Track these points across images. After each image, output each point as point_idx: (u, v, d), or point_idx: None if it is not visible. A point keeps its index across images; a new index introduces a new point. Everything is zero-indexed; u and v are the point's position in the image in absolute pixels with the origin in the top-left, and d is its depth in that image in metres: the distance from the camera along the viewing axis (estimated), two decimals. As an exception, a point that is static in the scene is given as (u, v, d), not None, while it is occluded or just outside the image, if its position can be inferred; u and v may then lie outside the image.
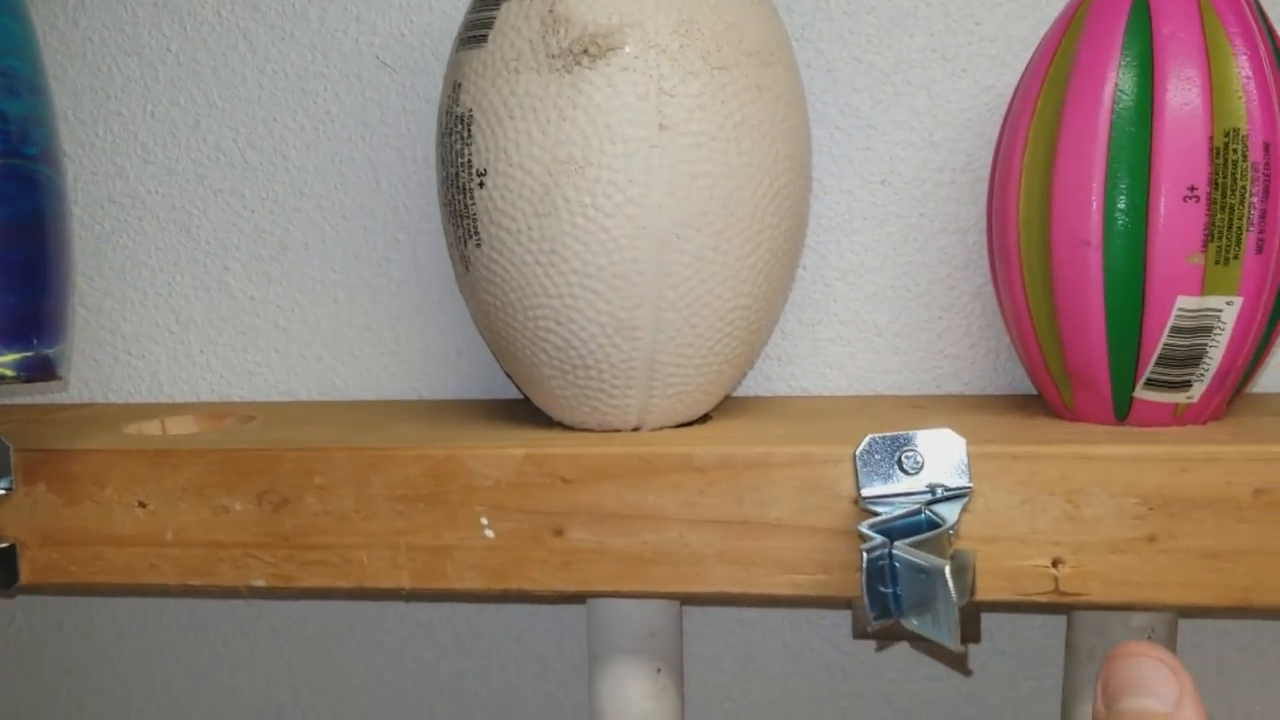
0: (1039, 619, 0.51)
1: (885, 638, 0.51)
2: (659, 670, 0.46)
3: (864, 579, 0.32)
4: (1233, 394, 0.41)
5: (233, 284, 0.55)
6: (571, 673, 0.55)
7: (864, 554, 0.32)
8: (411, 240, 0.53)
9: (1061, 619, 0.49)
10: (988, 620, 0.51)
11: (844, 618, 0.52)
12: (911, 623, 0.32)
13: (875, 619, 0.32)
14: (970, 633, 0.50)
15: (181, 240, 0.56)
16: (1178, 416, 0.40)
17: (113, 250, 0.56)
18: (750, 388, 0.52)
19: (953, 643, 0.31)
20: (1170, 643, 0.44)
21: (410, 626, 0.56)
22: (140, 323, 0.57)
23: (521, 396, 0.46)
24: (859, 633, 0.51)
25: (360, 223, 0.54)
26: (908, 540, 0.32)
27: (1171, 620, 0.43)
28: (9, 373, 0.39)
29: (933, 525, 0.35)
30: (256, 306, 0.55)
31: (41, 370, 0.40)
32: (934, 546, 0.33)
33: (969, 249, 0.49)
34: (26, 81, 0.41)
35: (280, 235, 0.55)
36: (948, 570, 0.30)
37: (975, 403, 0.47)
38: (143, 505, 0.43)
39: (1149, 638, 0.43)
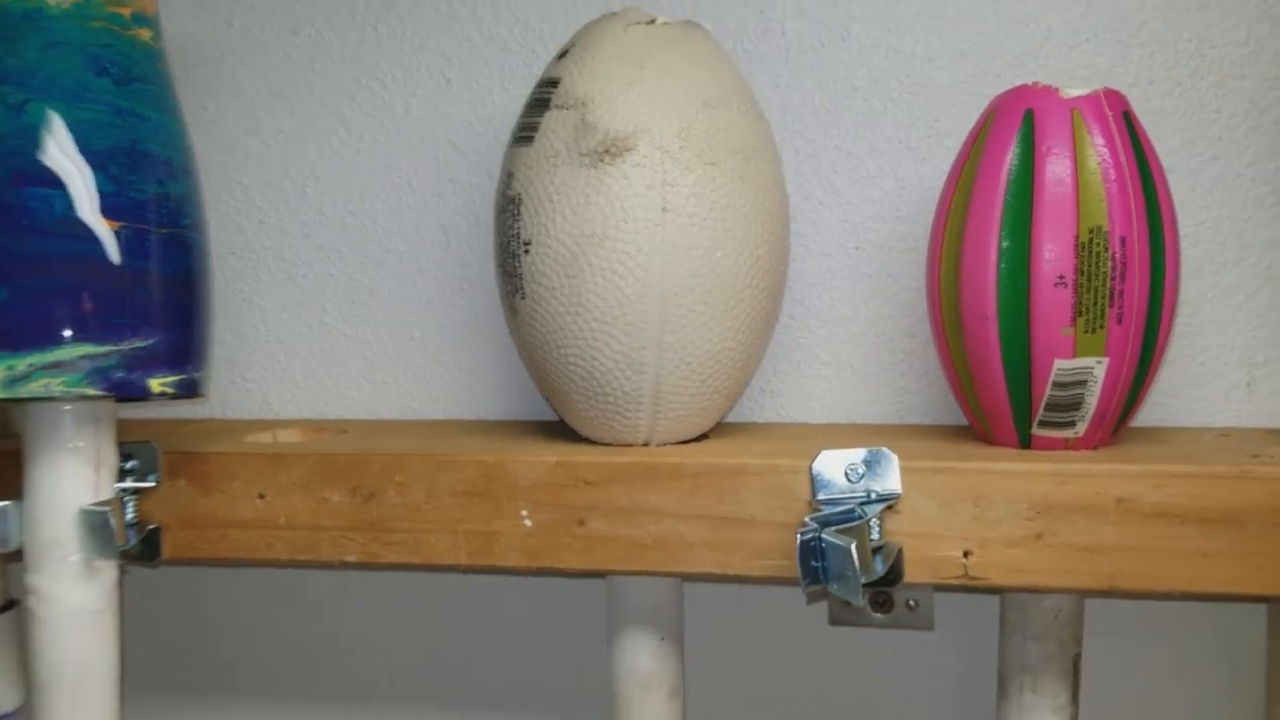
0: (986, 604, 0.61)
1: (855, 624, 0.61)
2: (662, 639, 0.56)
3: (798, 554, 0.43)
4: (1114, 428, 0.51)
5: (329, 323, 0.68)
6: (595, 641, 0.66)
7: (798, 536, 0.43)
8: (473, 289, 0.66)
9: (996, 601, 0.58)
10: (940, 604, 0.61)
11: (821, 608, 0.63)
12: (832, 587, 0.43)
13: (807, 585, 0.43)
14: (926, 621, 0.60)
15: (288, 287, 0.68)
16: (1069, 446, 0.50)
17: (232, 294, 0.69)
18: (747, 415, 0.63)
19: (858, 600, 0.42)
20: (1077, 621, 0.54)
21: (468, 605, 0.68)
22: (254, 354, 0.69)
23: (557, 417, 0.58)
24: (835, 620, 0.62)
25: (433, 275, 0.66)
26: (834, 528, 0.43)
27: (1076, 601, 0.53)
28: (169, 390, 0.51)
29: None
30: (348, 341, 0.68)
31: (191, 390, 0.53)
32: (856, 534, 0.44)
33: (926, 305, 0.60)
34: (182, 168, 0.54)
35: (369, 284, 0.67)
36: (854, 548, 0.41)
37: (924, 430, 0.58)
38: (262, 497, 0.55)
39: (1056, 617, 0.53)
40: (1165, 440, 0.53)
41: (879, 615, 0.61)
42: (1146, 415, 0.58)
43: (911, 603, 0.61)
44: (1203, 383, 0.57)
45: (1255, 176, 0.56)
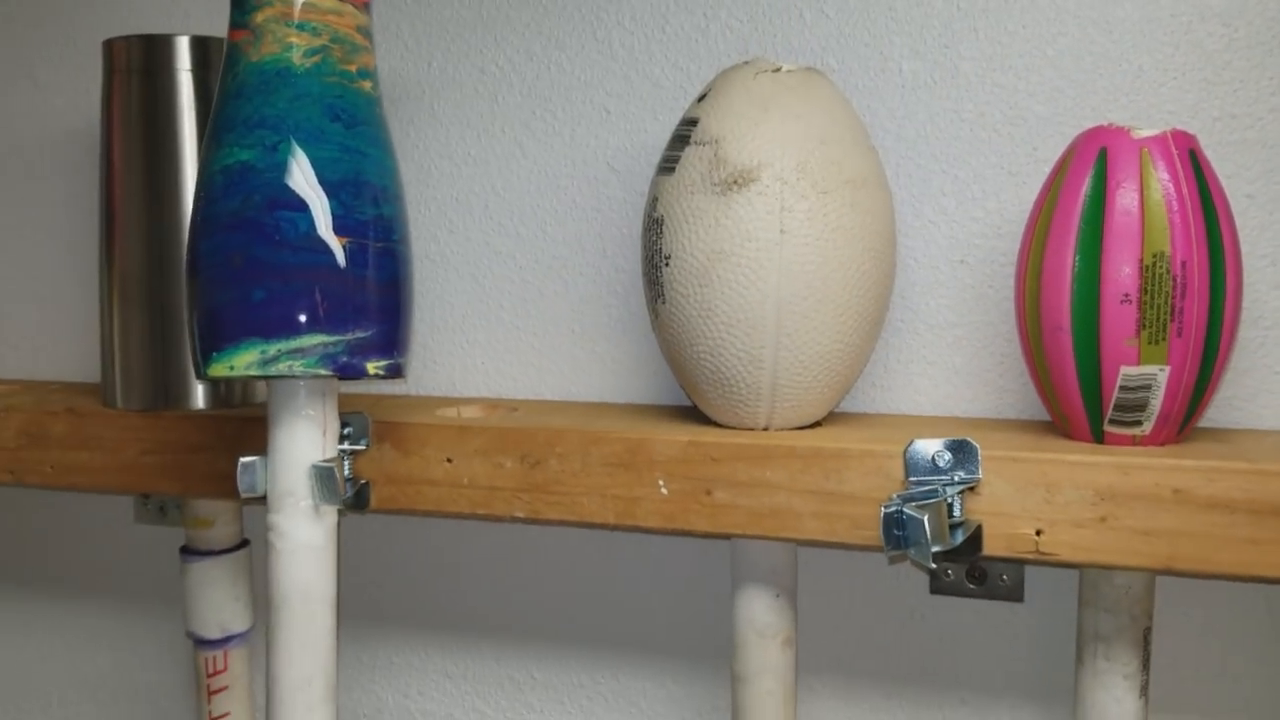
0: (1068, 579, 0.68)
1: (951, 594, 0.69)
2: (778, 595, 0.66)
3: (881, 524, 0.52)
4: (1180, 428, 0.57)
5: (505, 317, 0.80)
6: (719, 594, 0.76)
7: (882, 509, 0.52)
8: (626, 291, 0.76)
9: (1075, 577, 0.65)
10: (1028, 578, 0.69)
11: (924, 578, 0.71)
12: (910, 553, 0.52)
13: (889, 550, 0.52)
14: (1016, 593, 0.68)
15: (472, 287, 0.81)
16: (1136, 442, 0.57)
17: (425, 292, 0.82)
18: (860, 406, 0.71)
19: (929, 564, 0.50)
20: (1147, 597, 0.60)
21: (614, 557, 0.79)
22: (442, 342, 0.82)
23: (691, 403, 0.68)
24: (935, 589, 0.70)
25: (591, 278, 0.77)
26: (915, 503, 0.52)
27: (1147, 579, 0.60)
28: (381, 373, 0.63)
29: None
30: (520, 333, 0.80)
31: (397, 372, 0.65)
32: (934, 511, 0.52)
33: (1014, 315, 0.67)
34: (393, 194, 0.66)
35: (538, 285, 0.79)
36: (926, 520, 0.50)
37: (1015, 424, 0.65)
38: (449, 461, 0.67)
39: (1127, 592, 0.60)
40: (1230, 440, 0.59)
41: (974, 586, 0.69)
42: (1222, 417, 0.64)
43: (1004, 577, 0.68)
44: (1278, 389, 0.63)
45: (1333, 202, 0.61)
